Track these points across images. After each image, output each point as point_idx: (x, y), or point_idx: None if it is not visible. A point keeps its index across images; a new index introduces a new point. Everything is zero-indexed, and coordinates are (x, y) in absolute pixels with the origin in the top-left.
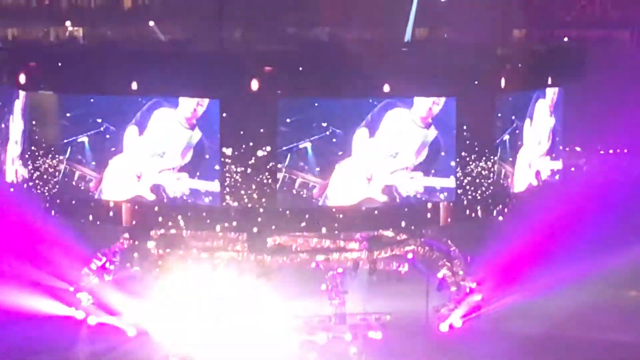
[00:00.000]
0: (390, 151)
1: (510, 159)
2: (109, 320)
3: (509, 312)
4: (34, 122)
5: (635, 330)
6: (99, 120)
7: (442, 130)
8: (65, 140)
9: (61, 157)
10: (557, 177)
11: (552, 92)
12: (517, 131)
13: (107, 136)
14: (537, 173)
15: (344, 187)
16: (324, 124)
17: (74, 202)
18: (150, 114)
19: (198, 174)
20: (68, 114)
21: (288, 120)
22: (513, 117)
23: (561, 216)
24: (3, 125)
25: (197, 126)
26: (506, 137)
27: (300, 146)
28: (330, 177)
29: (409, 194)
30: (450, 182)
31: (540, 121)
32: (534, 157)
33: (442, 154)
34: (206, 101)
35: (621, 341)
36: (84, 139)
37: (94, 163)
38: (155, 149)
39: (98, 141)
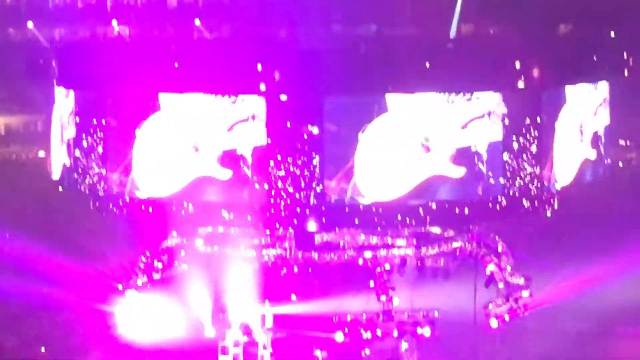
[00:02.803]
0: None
1: (553, 153)
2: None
3: (558, 308)
4: None
5: None
6: None
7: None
8: None
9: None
10: (603, 171)
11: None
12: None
13: None
14: (583, 167)
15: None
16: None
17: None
18: None
19: None
20: None
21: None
22: (554, 111)
23: (610, 211)
24: None
25: None
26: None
27: None
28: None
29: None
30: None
31: (581, 114)
32: (577, 151)
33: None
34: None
35: None
36: None
37: None
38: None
39: None
